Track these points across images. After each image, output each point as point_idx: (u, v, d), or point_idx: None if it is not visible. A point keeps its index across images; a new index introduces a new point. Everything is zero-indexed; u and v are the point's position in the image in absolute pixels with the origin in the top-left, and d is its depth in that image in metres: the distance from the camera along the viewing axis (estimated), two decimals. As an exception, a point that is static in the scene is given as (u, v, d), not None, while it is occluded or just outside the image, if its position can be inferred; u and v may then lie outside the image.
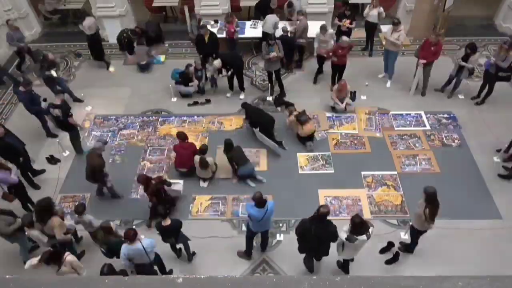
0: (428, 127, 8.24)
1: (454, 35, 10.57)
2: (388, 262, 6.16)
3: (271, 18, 9.43)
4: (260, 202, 5.43)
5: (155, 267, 5.74)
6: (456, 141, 7.96)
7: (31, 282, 2.00)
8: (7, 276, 1.94)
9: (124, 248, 5.19)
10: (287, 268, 6.15)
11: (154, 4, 11.06)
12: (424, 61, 8.33)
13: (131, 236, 5.09)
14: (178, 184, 7.07)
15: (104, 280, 1.93)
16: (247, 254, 6.22)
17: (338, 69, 8.82)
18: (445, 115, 8.49)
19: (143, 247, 5.16)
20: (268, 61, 8.48)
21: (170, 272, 6.06)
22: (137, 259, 5.32)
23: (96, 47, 9.94)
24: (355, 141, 7.99)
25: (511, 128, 8.03)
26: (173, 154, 7.53)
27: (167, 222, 5.55)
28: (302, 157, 7.73)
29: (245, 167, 7.18)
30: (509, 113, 8.40)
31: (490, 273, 5.88)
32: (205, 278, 1.90)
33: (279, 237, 6.50)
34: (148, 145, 8.14)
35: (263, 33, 9.53)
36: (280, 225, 6.67)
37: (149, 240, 5.32)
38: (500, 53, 7.90)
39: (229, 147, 7.20)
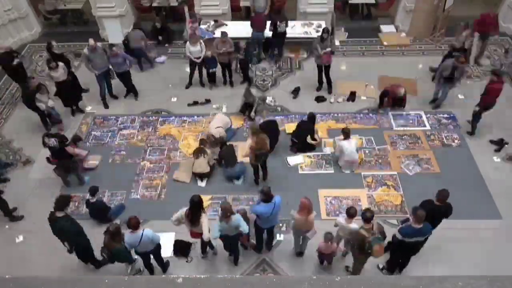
0: (428, 127, 8.24)
1: (454, 35, 10.55)
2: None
3: None
4: (268, 196, 5.38)
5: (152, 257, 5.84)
6: (456, 141, 7.96)
7: (31, 282, 2.00)
8: (7, 276, 1.94)
9: (126, 236, 5.30)
10: (287, 268, 6.15)
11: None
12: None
13: (134, 225, 5.18)
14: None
15: (104, 280, 1.93)
16: (258, 250, 6.24)
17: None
18: (445, 115, 8.49)
19: (141, 236, 5.23)
20: (320, 57, 8.49)
21: (167, 264, 6.12)
22: (139, 248, 5.43)
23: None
24: (380, 160, 7.65)
25: (511, 127, 8.05)
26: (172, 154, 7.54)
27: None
28: (302, 157, 7.73)
29: (233, 169, 7.24)
30: (509, 113, 8.40)
31: (490, 273, 5.89)
32: (205, 278, 1.90)
33: (279, 237, 6.49)
34: (148, 145, 8.14)
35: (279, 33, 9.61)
36: (280, 225, 6.65)
37: (150, 231, 5.38)
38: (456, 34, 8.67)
39: (221, 145, 7.33)
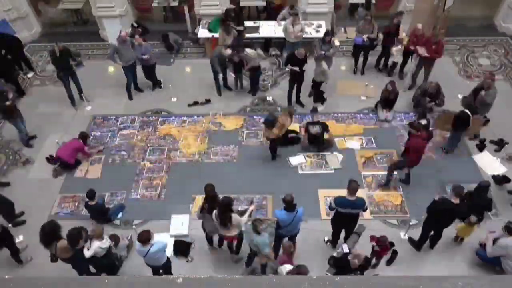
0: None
1: (454, 35, 10.57)
2: (388, 262, 6.16)
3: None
4: (290, 205, 5.31)
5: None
6: None
7: (31, 282, 2.00)
8: (7, 276, 1.94)
9: (137, 246, 5.35)
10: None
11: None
12: (424, 53, 8.27)
13: (143, 240, 5.19)
14: None
15: (104, 280, 1.93)
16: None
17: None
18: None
19: (147, 252, 5.21)
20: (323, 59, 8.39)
21: None
22: (146, 260, 5.43)
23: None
24: (385, 159, 7.65)
25: (511, 127, 8.06)
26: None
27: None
28: (304, 157, 7.71)
29: None
30: (509, 113, 8.40)
31: (490, 273, 5.89)
32: (205, 278, 1.90)
33: (279, 237, 6.50)
34: (148, 145, 8.14)
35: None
36: (280, 225, 6.66)
37: (161, 244, 5.33)
38: (365, 27, 8.74)
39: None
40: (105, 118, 8.78)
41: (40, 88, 9.49)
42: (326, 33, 8.44)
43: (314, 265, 6.06)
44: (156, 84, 9.37)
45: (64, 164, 7.53)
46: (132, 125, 8.59)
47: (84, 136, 7.63)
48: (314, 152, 7.77)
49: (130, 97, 9.19)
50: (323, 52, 8.31)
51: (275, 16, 10.20)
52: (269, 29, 10.06)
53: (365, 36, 8.78)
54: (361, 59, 9.41)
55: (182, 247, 6.37)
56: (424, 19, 10.11)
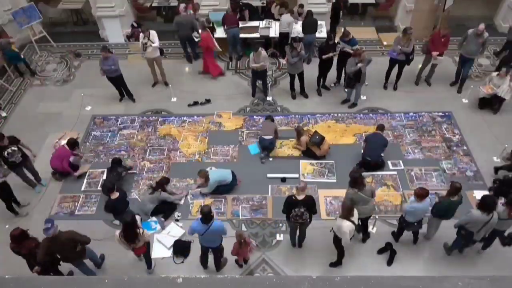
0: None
1: (454, 35, 10.54)
2: (389, 262, 6.17)
3: (286, 18, 9.48)
4: (206, 216, 5.19)
5: None
6: (457, 136, 8.01)
7: (31, 282, 2.00)
8: (7, 276, 1.94)
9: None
10: (287, 268, 6.15)
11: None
12: (437, 53, 8.57)
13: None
14: None
15: (104, 280, 1.94)
16: (202, 266, 6.13)
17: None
18: (440, 113, 8.54)
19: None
20: (292, 64, 8.36)
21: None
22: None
23: None
24: None
25: (510, 127, 8.06)
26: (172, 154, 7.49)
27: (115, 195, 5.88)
28: (304, 165, 7.65)
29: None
30: (510, 114, 8.40)
31: (490, 273, 5.90)
32: (205, 278, 1.91)
33: (279, 237, 6.49)
34: (148, 145, 8.14)
35: (280, 33, 9.71)
36: (280, 225, 6.66)
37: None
38: (403, 40, 8.38)
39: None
40: (105, 118, 8.78)
41: (40, 88, 9.48)
42: (329, 37, 8.41)
43: (314, 263, 6.09)
44: (131, 96, 9.13)
45: (59, 172, 7.48)
46: (132, 125, 8.59)
47: (71, 143, 7.36)
48: (317, 160, 7.66)
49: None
50: (295, 59, 8.23)
51: (273, 16, 10.24)
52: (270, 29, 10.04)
53: (398, 48, 8.37)
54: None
55: (182, 247, 6.37)
56: (424, 19, 10.15)
